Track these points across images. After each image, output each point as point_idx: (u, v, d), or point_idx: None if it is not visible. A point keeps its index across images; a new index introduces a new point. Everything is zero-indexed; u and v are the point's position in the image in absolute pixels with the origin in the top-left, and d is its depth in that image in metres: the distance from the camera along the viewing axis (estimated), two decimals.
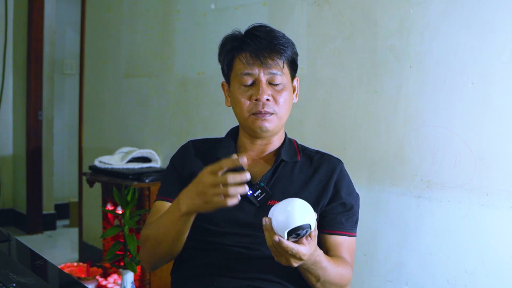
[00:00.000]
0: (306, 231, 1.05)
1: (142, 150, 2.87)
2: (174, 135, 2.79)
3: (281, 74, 1.26)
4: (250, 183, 1.27)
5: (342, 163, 1.36)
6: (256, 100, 1.25)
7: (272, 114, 1.26)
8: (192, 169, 1.33)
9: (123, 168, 2.74)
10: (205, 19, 2.58)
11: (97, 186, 2.95)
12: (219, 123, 2.49)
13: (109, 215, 2.63)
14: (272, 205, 1.09)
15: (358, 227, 1.34)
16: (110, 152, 3.01)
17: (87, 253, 3.43)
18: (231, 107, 1.35)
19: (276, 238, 1.03)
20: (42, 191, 4.24)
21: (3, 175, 4.29)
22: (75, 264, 2.82)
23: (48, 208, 4.30)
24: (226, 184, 1.02)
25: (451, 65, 1.65)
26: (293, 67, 1.32)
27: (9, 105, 4.33)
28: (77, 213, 3.78)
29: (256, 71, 1.25)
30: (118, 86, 3.22)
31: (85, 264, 2.78)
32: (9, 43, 4.24)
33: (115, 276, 2.68)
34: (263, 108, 1.25)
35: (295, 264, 1.07)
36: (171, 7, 2.79)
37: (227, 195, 1.03)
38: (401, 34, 1.77)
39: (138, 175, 2.59)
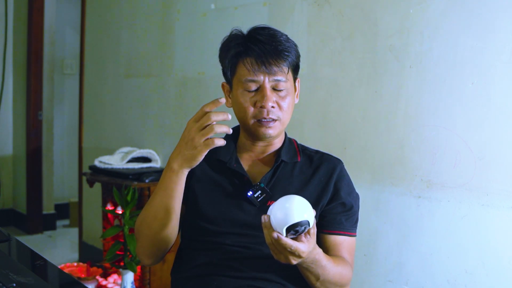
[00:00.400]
0: (305, 228, 1.05)
1: (142, 150, 2.87)
2: (174, 135, 2.79)
3: (285, 80, 1.26)
4: (250, 184, 1.27)
5: (342, 163, 1.36)
6: (261, 107, 1.24)
7: (276, 120, 1.26)
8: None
9: (123, 168, 2.74)
10: (205, 19, 2.58)
11: (97, 186, 2.95)
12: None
13: (109, 215, 2.63)
14: None
15: (358, 227, 1.34)
16: (110, 152, 3.01)
17: (87, 253, 3.43)
18: (231, 108, 1.34)
19: (275, 234, 1.03)
20: (42, 191, 4.24)
21: (3, 175, 4.29)
22: (75, 264, 2.82)
23: (48, 208, 4.30)
24: (210, 124, 1.11)
25: (451, 65, 1.65)
26: (296, 70, 1.32)
27: (9, 105, 4.33)
28: (77, 213, 3.78)
29: (261, 77, 1.24)
30: (118, 86, 3.22)
31: (85, 264, 2.78)
32: (9, 43, 4.24)
33: (115, 276, 2.68)
34: (268, 115, 1.24)
35: (294, 261, 1.07)
36: (171, 7, 2.79)
37: (211, 133, 1.10)
38: (401, 34, 1.77)
39: (138, 175, 2.59)
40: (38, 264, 1.22)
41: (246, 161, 1.34)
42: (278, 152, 1.34)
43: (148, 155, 2.88)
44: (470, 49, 1.60)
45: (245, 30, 1.30)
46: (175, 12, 2.76)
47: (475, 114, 1.59)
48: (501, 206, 1.53)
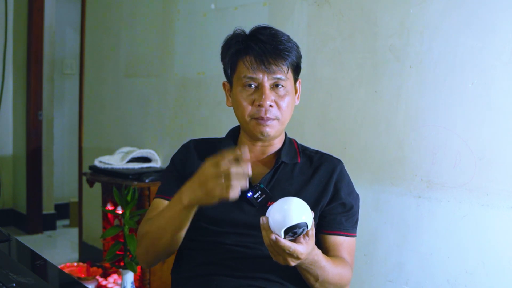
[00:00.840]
0: (303, 230, 1.05)
1: (142, 150, 2.87)
2: (174, 135, 2.79)
3: (285, 79, 1.26)
4: (250, 185, 1.27)
5: (342, 163, 1.35)
6: (259, 105, 1.24)
7: (274, 119, 1.26)
8: (192, 169, 1.33)
9: (123, 168, 2.74)
10: (205, 19, 2.58)
11: (97, 186, 2.95)
12: (219, 123, 2.49)
13: (109, 215, 2.63)
14: None
15: (358, 227, 1.34)
16: (110, 152, 3.01)
17: (87, 253, 3.43)
18: (231, 107, 1.34)
19: (273, 236, 1.03)
20: (42, 191, 4.24)
21: (3, 175, 4.29)
22: (75, 264, 2.82)
23: (48, 208, 4.30)
24: (228, 176, 1.01)
25: (451, 65, 1.65)
26: (296, 71, 1.32)
27: (9, 105, 4.33)
28: (77, 213, 3.78)
29: (260, 76, 1.24)
30: (118, 86, 3.22)
31: (85, 264, 2.78)
32: (9, 43, 4.24)
33: (115, 276, 2.68)
34: (265, 114, 1.24)
35: (293, 263, 1.07)
36: (171, 7, 2.79)
37: (228, 187, 1.01)
38: (401, 34, 1.77)
39: (138, 175, 2.59)
40: (38, 264, 1.22)
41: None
42: (278, 153, 1.33)
43: (148, 155, 2.88)
44: (470, 49, 1.60)
45: (246, 30, 1.30)
46: (175, 12, 2.76)
47: (475, 114, 1.59)
48: (501, 206, 1.53)
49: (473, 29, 1.59)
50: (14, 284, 0.96)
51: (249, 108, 1.26)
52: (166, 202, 1.31)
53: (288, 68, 1.26)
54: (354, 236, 1.32)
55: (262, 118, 1.25)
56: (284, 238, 1.04)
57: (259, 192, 1.23)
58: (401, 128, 1.77)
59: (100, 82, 3.39)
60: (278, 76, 1.25)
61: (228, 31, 1.34)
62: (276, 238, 1.03)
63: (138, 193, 2.48)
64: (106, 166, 2.78)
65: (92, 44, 3.45)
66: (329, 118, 2.00)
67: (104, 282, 2.63)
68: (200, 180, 1.06)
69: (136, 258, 1.44)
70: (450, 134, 1.64)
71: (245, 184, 1.03)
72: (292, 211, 1.03)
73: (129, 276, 2.34)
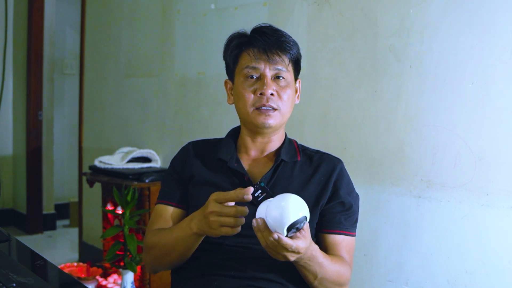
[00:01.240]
0: (303, 224, 1.05)
1: (142, 150, 2.87)
2: (174, 135, 2.79)
3: (286, 70, 1.29)
4: (250, 184, 1.27)
5: (342, 163, 1.36)
6: (260, 94, 1.26)
7: (275, 110, 1.27)
8: (192, 171, 1.33)
9: (123, 168, 2.74)
10: (205, 19, 2.58)
11: (97, 186, 2.95)
12: (219, 123, 2.49)
13: (109, 215, 2.63)
14: None
15: (358, 227, 1.34)
16: (110, 152, 3.01)
17: (87, 253, 3.43)
18: (232, 106, 1.35)
19: (275, 235, 1.03)
20: (42, 191, 4.24)
21: (3, 175, 4.29)
22: (75, 264, 2.82)
23: (48, 208, 4.30)
24: (233, 215, 1.06)
25: (451, 65, 1.65)
26: (296, 68, 1.34)
27: (9, 105, 4.33)
28: (77, 213, 3.78)
29: (262, 65, 1.27)
30: (118, 86, 3.22)
31: (85, 264, 2.78)
32: (9, 43, 4.24)
33: (115, 276, 2.68)
34: (267, 102, 1.26)
35: (292, 258, 1.07)
36: (171, 7, 2.79)
37: (228, 225, 1.07)
38: (401, 34, 1.77)
39: (138, 175, 2.59)
40: (38, 264, 1.22)
41: (246, 161, 1.34)
42: (278, 151, 1.34)
43: (148, 155, 2.88)
44: (470, 49, 1.60)
45: (247, 31, 1.34)
46: (175, 12, 2.76)
47: (475, 114, 1.59)
48: (501, 206, 1.53)
49: (473, 29, 1.59)
50: (14, 284, 0.96)
51: (251, 97, 1.27)
52: (168, 208, 1.33)
53: (289, 61, 1.29)
54: (354, 235, 1.32)
55: (264, 106, 1.26)
56: (287, 235, 1.04)
57: (260, 191, 1.23)
58: (401, 128, 1.77)
59: (100, 82, 3.39)
60: (280, 67, 1.28)
61: (228, 31, 1.35)
62: (278, 237, 1.03)
63: (138, 193, 2.48)
64: (106, 166, 2.78)
65: (92, 44, 3.45)
66: (329, 118, 2.00)
67: (104, 282, 2.63)
68: (204, 213, 1.11)
69: (144, 265, 1.46)
70: (450, 134, 1.64)
71: (242, 222, 1.07)
72: (290, 207, 1.04)
73: (129, 276, 2.34)
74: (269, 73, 1.27)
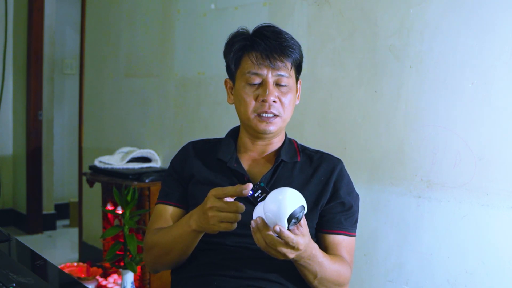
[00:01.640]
0: (302, 214, 1.06)
1: (142, 150, 2.87)
2: (174, 135, 2.79)
3: (288, 76, 1.27)
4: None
5: (342, 163, 1.36)
6: (262, 101, 1.25)
7: (277, 116, 1.27)
8: (192, 170, 1.33)
9: (123, 168, 2.74)
10: (205, 19, 2.58)
11: (97, 186, 2.95)
12: (219, 123, 2.49)
13: (109, 215, 2.63)
14: None
15: (358, 227, 1.34)
16: (110, 152, 3.01)
17: (87, 253, 3.43)
18: (232, 106, 1.35)
19: (278, 228, 1.03)
20: (42, 191, 4.24)
21: (3, 175, 4.29)
22: (75, 264, 2.82)
23: (48, 208, 4.30)
24: (231, 211, 1.07)
25: (451, 65, 1.65)
26: (298, 70, 1.34)
27: (9, 105, 4.33)
28: (77, 213, 3.78)
29: (264, 71, 1.26)
30: (118, 86, 3.22)
31: (85, 264, 2.78)
32: (9, 43, 4.24)
33: (115, 276, 2.68)
34: (269, 109, 1.25)
35: (292, 255, 1.07)
36: (171, 7, 2.79)
37: (226, 220, 1.07)
38: (401, 34, 1.77)
39: (138, 175, 2.59)
40: (38, 264, 1.22)
41: (246, 161, 1.34)
42: (278, 151, 1.34)
43: (148, 155, 2.88)
44: (470, 49, 1.60)
45: (247, 28, 1.32)
46: (175, 12, 2.76)
47: (475, 114, 1.59)
48: (501, 206, 1.53)
49: (473, 29, 1.59)
50: (14, 284, 0.96)
51: (252, 104, 1.27)
52: (168, 207, 1.33)
53: (291, 65, 1.28)
54: (354, 235, 1.32)
55: (266, 112, 1.26)
56: (288, 227, 1.05)
57: (259, 191, 1.23)
58: (401, 128, 1.77)
59: (100, 82, 3.38)
60: (282, 73, 1.26)
61: (228, 31, 1.34)
62: (280, 229, 1.03)
63: (138, 193, 2.48)
64: (106, 166, 2.78)
65: (92, 44, 3.45)
66: (329, 118, 2.00)
67: (104, 282, 2.63)
68: (203, 209, 1.11)
69: (145, 265, 1.47)
70: (450, 134, 1.64)
71: (239, 218, 1.08)
72: (288, 198, 1.05)
73: (129, 276, 2.34)
74: (271, 79, 1.26)
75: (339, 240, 1.29)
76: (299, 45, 1.31)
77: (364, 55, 1.88)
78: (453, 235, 1.64)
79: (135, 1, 3.08)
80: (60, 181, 4.71)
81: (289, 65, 1.27)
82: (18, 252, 1.33)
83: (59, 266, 2.38)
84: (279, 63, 1.25)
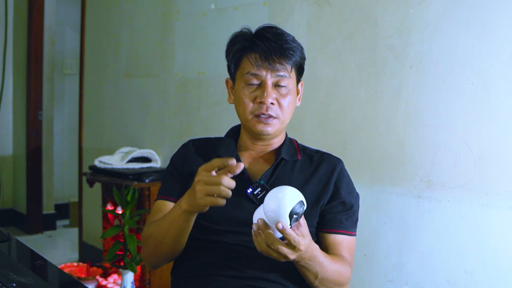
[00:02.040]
0: (303, 209, 1.06)
1: (142, 150, 2.87)
2: (174, 135, 2.79)
3: (288, 77, 1.27)
4: (250, 181, 1.27)
5: (342, 163, 1.36)
6: (260, 102, 1.25)
7: (275, 118, 1.27)
8: (192, 168, 1.33)
9: (123, 168, 2.74)
10: (205, 19, 2.58)
11: (97, 186, 2.95)
12: (219, 123, 2.49)
13: (109, 215, 2.63)
14: None
15: (358, 227, 1.34)
16: (110, 152, 3.01)
17: (87, 253, 3.43)
18: (232, 106, 1.35)
19: (280, 225, 1.03)
20: (42, 191, 4.24)
21: (3, 175, 4.29)
22: (75, 264, 2.82)
23: (48, 208, 4.30)
24: (219, 184, 1.04)
25: (451, 65, 1.65)
26: (299, 72, 1.33)
27: (9, 105, 4.33)
28: (77, 213, 3.78)
29: (263, 73, 1.25)
30: (118, 86, 3.22)
31: (85, 264, 2.78)
32: (9, 43, 4.24)
33: (115, 276, 2.68)
34: (266, 111, 1.25)
35: (293, 256, 1.07)
36: (171, 7, 2.79)
37: (218, 194, 1.05)
38: (401, 34, 1.77)
39: (138, 175, 2.59)
40: (38, 264, 1.22)
41: (246, 159, 1.34)
42: (278, 150, 1.34)
43: (148, 155, 2.88)
44: (470, 49, 1.60)
45: (249, 28, 1.32)
46: (175, 12, 2.76)
47: (475, 114, 1.59)
48: (501, 206, 1.53)
49: (473, 29, 1.59)
50: (14, 284, 0.96)
51: (250, 105, 1.27)
52: (167, 203, 1.33)
53: (291, 67, 1.27)
54: (354, 235, 1.32)
55: (263, 114, 1.25)
56: (290, 224, 1.05)
57: (259, 189, 1.24)
58: (401, 128, 1.77)
59: (100, 82, 3.39)
60: (281, 74, 1.26)
61: (228, 31, 1.34)
62: (283, 227, 1.03)
63: (138, 193, 2.48)
64: (106, 166, 2.78)
65: (92, 44, 3.45)
66: (329, 118, 2.00)
67: (104, 282, 2.63)
68: (193, 184, 1.09)
69: (143, 261, 1.46)
70: (450, 134, 1.64)
71: (229, 195, 1.06)
72: (287, 195, 1.05)
73: (129, 276, 2.34)
74: (270, 80, 1.26)
75: (340, 240, 1.29)
76: (301, 48, 1.30)
77: (364, 55, 1.88)
78: (453, 235, 1.64)
79: (135, 1, 3.08)
80: (60, 181, 4.71)
81: (288, 67, 1.26)
82: (18, 252, 1.33)
83: (59, 266, 2.38)
84: (278, 65, 1.25)
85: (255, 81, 1.26)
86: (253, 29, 1.31)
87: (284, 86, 1.27)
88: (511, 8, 1.52)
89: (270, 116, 1.26)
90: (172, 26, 2.78)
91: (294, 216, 1.05)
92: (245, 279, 1.22)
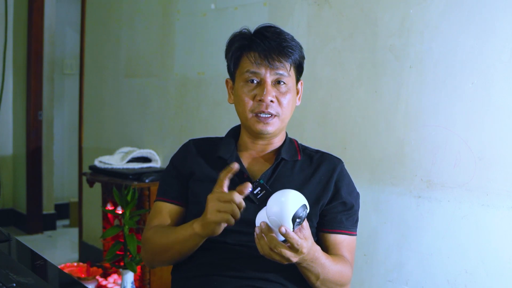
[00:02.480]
0: (306, 212, 1.06)
1: (142, 150, 2.87)
2: (174, 135, 2.79)
3: (287, 75, 1.27)
4: (250, 181, 1.27)
5: (342, 163, 1.36)
6: (260, 100, 1.25)
7: (275, 116, 1.27)
8: (193, 168, 1.34)
9: (123, 168, 2.74)
10: (205, 19, 2.58)
11: (97, 186, 2.95)
12: (219, 123, 2.49)
13: (109, 215, 2.63)
14: None
15: (358, 227, 1.34)
16: (110, 152, 3.01)
17: (87, 253, 3.43)
18: (232, 106, 1.35)
19: (283, 229, 1.03)
20: (42, 191, 4.24)
21: (3, 175, 4.29)
22: (75, 264, 2.82)
23: (48, 208, 4.30)
24: (230, 201, 1.07)
25: (451, 65, 1.65)
26: (299, 70, 1.33)
27: (9, 105, 4.32)
28: (77, 213, 3.78)
29: (262, 71, 1.26)
30: (118, 86, 3.22)
31: (85, 264, 2.78)
32: (9, 43, 4.23)
33: (115, 276, 2.68)
34: (266, 108, 1.25)
35: (295, 259, 1.08)
36: (171, 7, 2.79)
37: (229, 212, 1.07)
38: (401, 34, 1.77)
39: (138, 175, 2.59)
40: (38, 264, 1.22)
41: (246, 159, 1.34)
42: (278, 150, 1.34)
43: (148, 155, 2.88)
44: (470, 49, 1.60)
45: (249, 28, 1.32)
46: (175, 12, 2.76)
47: (475, 114, 1.59)
48: (501, 206, 1.53)
49: (473, 29, 1.59)
50: (14, 284, 0.96)
51: (250, 103, 1.27)
52: (166, 205, 1.33)
53: (290, 65, 1.28)
54: (355, 235, 1.32)
55: (263, 112, 1.25)
56: (293, 228, 1.05)
57: (259, 188, 1.24)
58: (401, 128, 1.77)
59: (100, 82, 3.38)
60: (281, 72, 1.26)
61: (228, 31, 1.34)
62: (286, 231, 1.03)
63: (138, 193, 2.48)
64: (106, 166, 2.78)
65: (92, 44, 3.45)
66: (329, 118, 2.00)
67: (104, 282, 2.63)
68: (206, 202, 1.12)
69: (142, 260, 1.47)
70: (450, 134, 1.64)
71: (238, 215, 1.09)
72: (290, 199, 1.05)
73: (129, 276, 2.34)
74: (269, 78, 1.26)
75: (340, 240, 1.29)
76: (300, 46, 1.31)
77: (364, 55, 1.88)
78: (453, 235, 1.64)
79: (135, 1, 3.08)
80: (60, 181, 4.71)
81: (288, 65, 1.26)
82: (18, 252, 1.33)
83: (59, 266, 2.38)
84: (278, 63, 1.25)
85: (255, 79, 1.27)
86: (253, 29, 1.32)
87: (284, 84, 1.27)
88: (511, 8, 1.52)
89: (270, 115, 1.26)
90: (172, 26, 2.78)
91: (297, 220, 1.05)
92: (245, 279, 1.22)
